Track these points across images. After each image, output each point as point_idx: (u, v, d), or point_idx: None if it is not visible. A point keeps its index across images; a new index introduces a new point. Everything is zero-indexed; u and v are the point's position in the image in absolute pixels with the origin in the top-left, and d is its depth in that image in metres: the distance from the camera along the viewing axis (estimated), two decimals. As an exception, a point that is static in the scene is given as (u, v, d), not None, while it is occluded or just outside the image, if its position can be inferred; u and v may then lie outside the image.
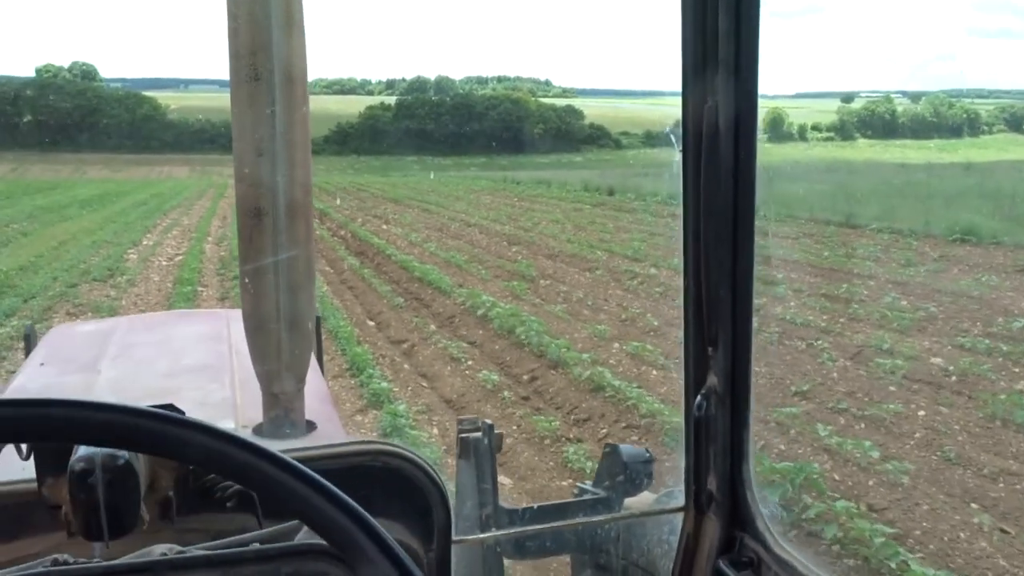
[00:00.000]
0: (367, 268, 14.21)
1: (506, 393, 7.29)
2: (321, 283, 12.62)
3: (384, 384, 7.31)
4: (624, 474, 1.72)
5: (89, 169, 50.85)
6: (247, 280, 1.69)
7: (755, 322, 1.24)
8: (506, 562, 1.76)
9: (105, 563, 0.94)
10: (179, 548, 0.99)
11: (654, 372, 7.78)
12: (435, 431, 6.45)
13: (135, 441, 0.76)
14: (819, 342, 8.57)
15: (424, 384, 7.80)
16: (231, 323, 2.86)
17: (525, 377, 7.92)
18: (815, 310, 10.10)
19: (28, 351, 3.15)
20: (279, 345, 1.67)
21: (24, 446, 0.98)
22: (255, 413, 1.83)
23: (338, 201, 27.90)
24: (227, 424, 1.86)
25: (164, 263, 15.00)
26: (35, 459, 1.00)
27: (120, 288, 12.43)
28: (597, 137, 68.91)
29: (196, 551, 0.99)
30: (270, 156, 1.60)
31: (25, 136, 58.21)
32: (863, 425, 6.31)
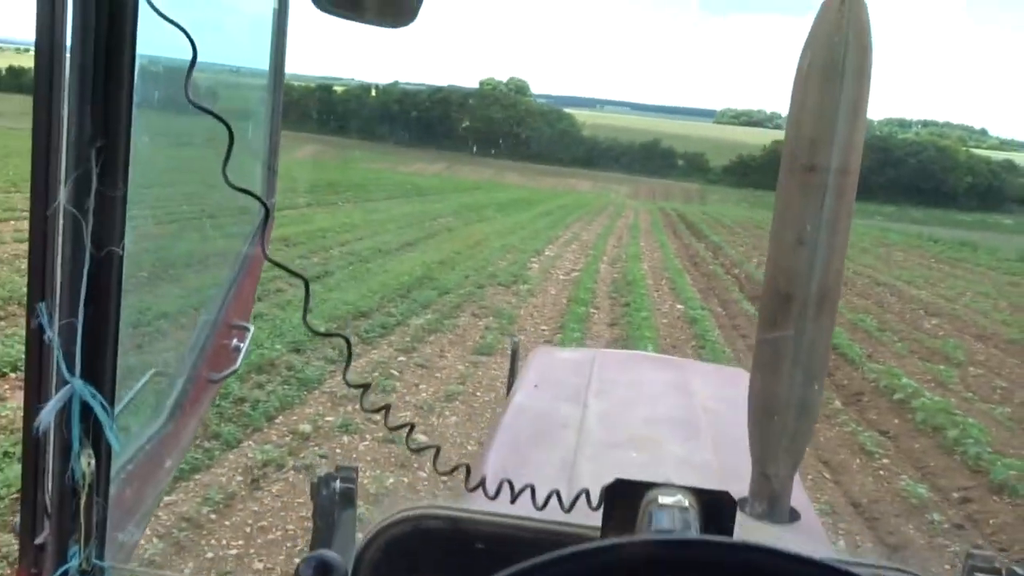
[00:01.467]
0: (762, 317, 13.24)
1: (935, 516, 5.98)
2: (712, 326, 11.98)
3: (782, 466, 6.41)
4: None
5: (507, 175, 55.98)
6: (763, 358, 1.72)
7: None
8: None
9: None
10: None
11: None
12: (841, 543, 5.43)
13: None
14: None
15: (827, 475, 6.74)
16: (691, 375, 3.04)
17: (955, 495, 6.48)
18: None
19: (512, 364, 3.66)
20: (783, 427, 1.69)
21: (596, 496, 1.06)
22: (736, 484, 1.74)
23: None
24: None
25: (561, 276, 15.47)
26: (603, 513, 1.05)
27: (520, 296, 12.97)
28: (1038, 198, 60.01)
29: None
30: (811, 245, 1.56)
31: (461, 139, 66.07)
32: None
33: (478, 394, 7.77)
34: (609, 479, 1.06)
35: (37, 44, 0.89)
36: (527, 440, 2.11)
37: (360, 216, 21.64)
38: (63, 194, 0.91)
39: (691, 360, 4.91)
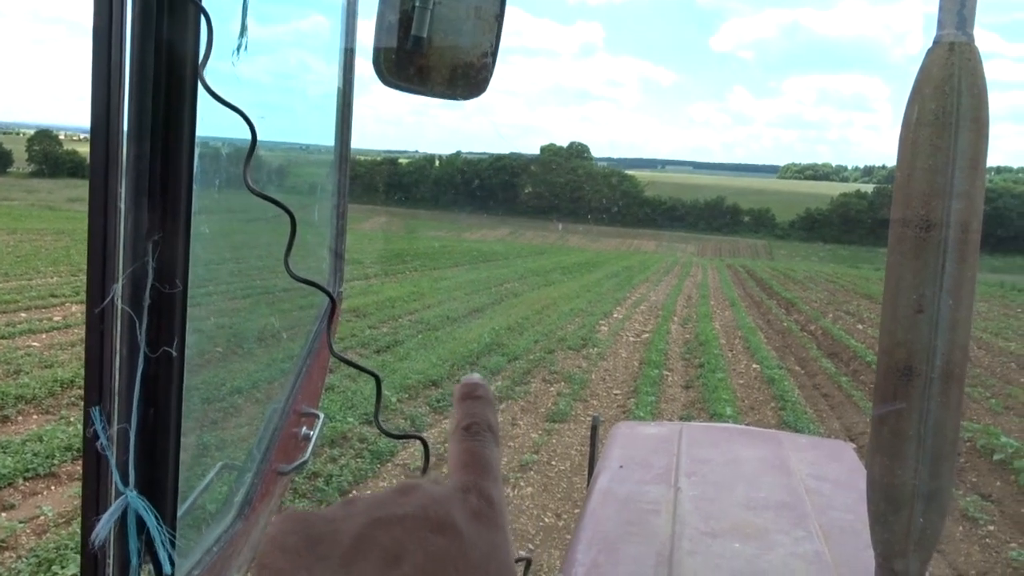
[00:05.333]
0: (844, 375, 12.75)
1: (1053, 589, 5.52)
2: (792, 386, 11.56)
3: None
4: None
5: (570, 238, 56.14)
6: (881, 439, 1.57)
7: None
8: None
9: None
10: None
11: None
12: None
13: None
14: None
15: (928, 545, 6.30)
16: (786, 450, 2.88)
17: (1073, 566, 5.98)
18: None
19: (593, 442, 3.55)
20: (910, 518, 1.55)
21: None
22: None
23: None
24: None
25: (632, 339, 15.22)
26: None
27: (591, 360, 12.78)
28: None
29: None
30: (930, 314, 1.44)
31: (524, 204, 66.73)
32: None
33: (553, 463, 7.58)
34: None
35: (93, 132, 0.83)
36: (617, 532, 1.96)
37: (427, 284, 21.83)
38: (117, 290, 0.85)
39: (784, 432, 4.65)
